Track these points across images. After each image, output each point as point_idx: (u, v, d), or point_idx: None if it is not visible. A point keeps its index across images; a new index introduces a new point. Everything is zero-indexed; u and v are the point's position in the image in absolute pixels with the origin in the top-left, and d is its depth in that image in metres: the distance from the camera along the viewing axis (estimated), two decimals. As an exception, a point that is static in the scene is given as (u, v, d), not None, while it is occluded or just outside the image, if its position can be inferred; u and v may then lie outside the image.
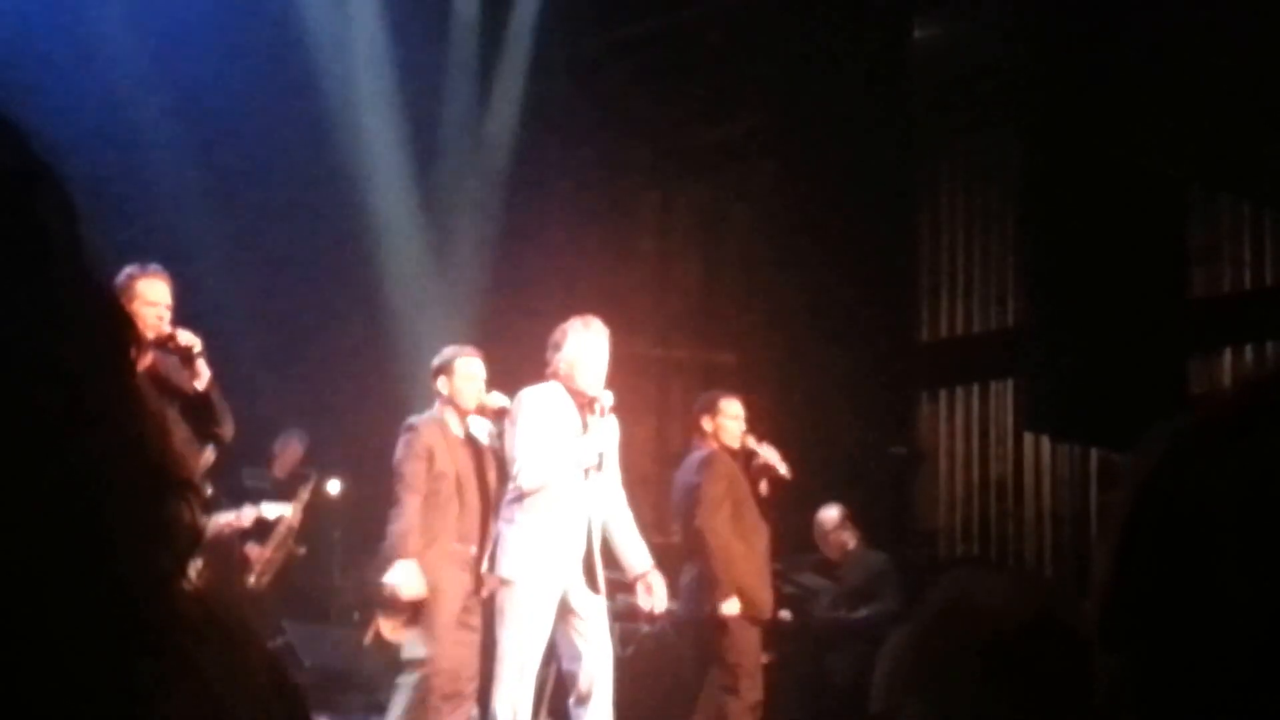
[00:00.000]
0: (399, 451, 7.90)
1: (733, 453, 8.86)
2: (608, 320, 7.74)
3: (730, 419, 8.87)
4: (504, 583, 7.37)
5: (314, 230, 12.10)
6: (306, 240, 12.01)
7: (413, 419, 8.09)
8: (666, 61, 12.41)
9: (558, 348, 7.57)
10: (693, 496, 8.65)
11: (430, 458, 7.85)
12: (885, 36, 12.04)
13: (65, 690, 0.73)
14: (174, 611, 0.79)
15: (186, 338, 7.24)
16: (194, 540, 0.81)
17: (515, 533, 7.39)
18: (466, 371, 8.16)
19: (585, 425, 7.49)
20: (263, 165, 11.51)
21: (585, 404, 7.51)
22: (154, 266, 7.31)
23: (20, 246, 0.78)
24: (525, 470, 7.39)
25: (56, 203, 0.81)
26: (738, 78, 12.29)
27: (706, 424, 8.89)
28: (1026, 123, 9.98)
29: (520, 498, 7.41)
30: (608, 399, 7.51)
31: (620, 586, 9.13)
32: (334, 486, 11.22)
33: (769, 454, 8.87)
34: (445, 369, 8.21)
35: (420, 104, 12.20)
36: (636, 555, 7.83)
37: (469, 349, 8.26)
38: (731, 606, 8.58)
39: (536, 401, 7.54)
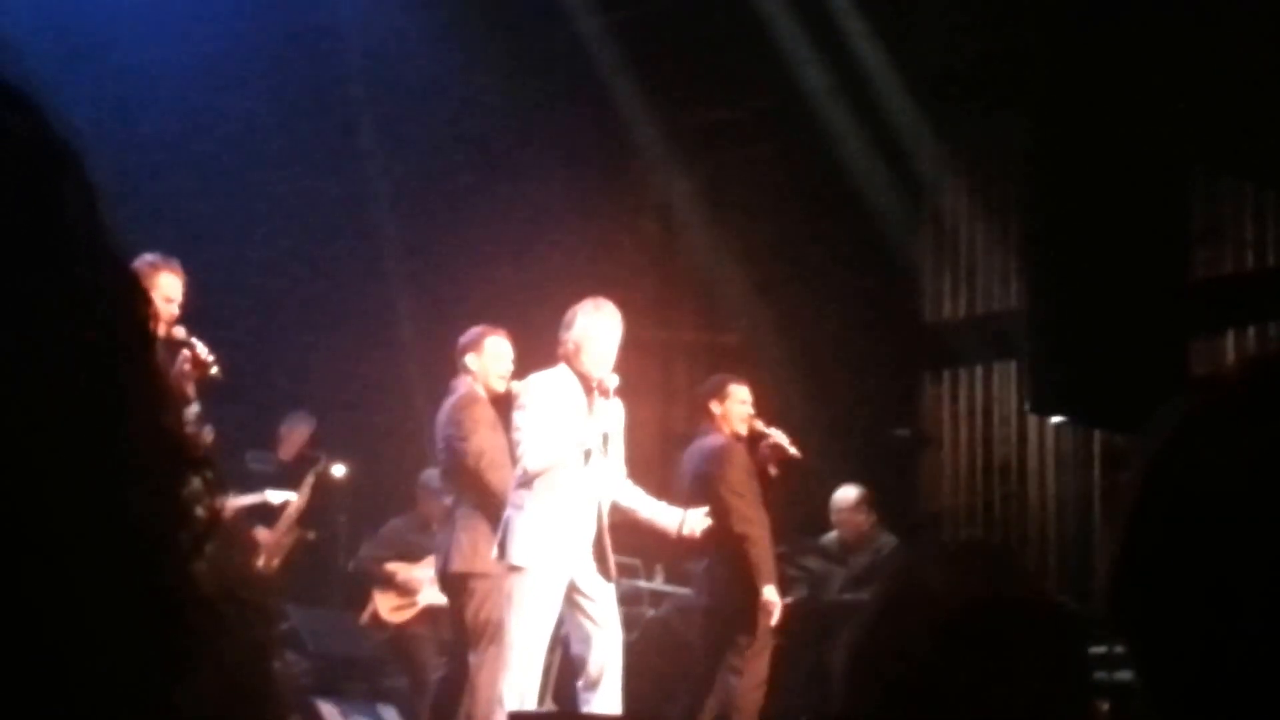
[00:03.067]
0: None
1: (738, 437, 8.88)
2: (611, 301, 7.74)
3: (738, 403, 8.89)
4: (513, 569, 7.35)
5: (320, 209, 12.09)
6: (313, 219, 12.00)
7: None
8: (670, 42, 12.39)
9: (568, 328, 7.57)
10: (711, 489, 8.63)
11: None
12: (890, 18, 12.01)
13: (87, 669, 0.74)
14: (194, 592, 0.79)
15: (205, 352, 7.35)
16: (212, 520, 0.81)
17: (524, 518, 7.38)
18: (495, 350, 8.22)
19: (591, 407, 7.48)
20: (268, 144, 11.51)
21: (592, 386, 7.50)
22: (174, 260, 7.38)
23: (43, 225, 0.78)
24: (529, 452, 7.38)
25: (77, 180, 0.81)
26: (741, 58, 12.26)
27: (715, 407, 8.90)
28: (1030, 104, 9.96)
29: (528, 482, 7.40)
30: (612, 381, 7.50)
31: (625, 570, 9.14)
32: (339, 470, 11.21)
33: (778, 436, 8.89)
34: (474, 346, 8.27)
35: (419, 95, 12.17)
36: (665, 512, 7.87)
37: (497, 329, 8.32)
38: (772, 594, 8.65)
39: (542, 386, 7.54)
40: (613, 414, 7.56)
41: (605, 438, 7.49)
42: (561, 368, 7.56)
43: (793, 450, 8.91)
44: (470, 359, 8.27)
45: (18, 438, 0.74)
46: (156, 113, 11.22)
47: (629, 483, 7.78)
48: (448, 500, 8.40)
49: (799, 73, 12.02)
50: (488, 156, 12.43)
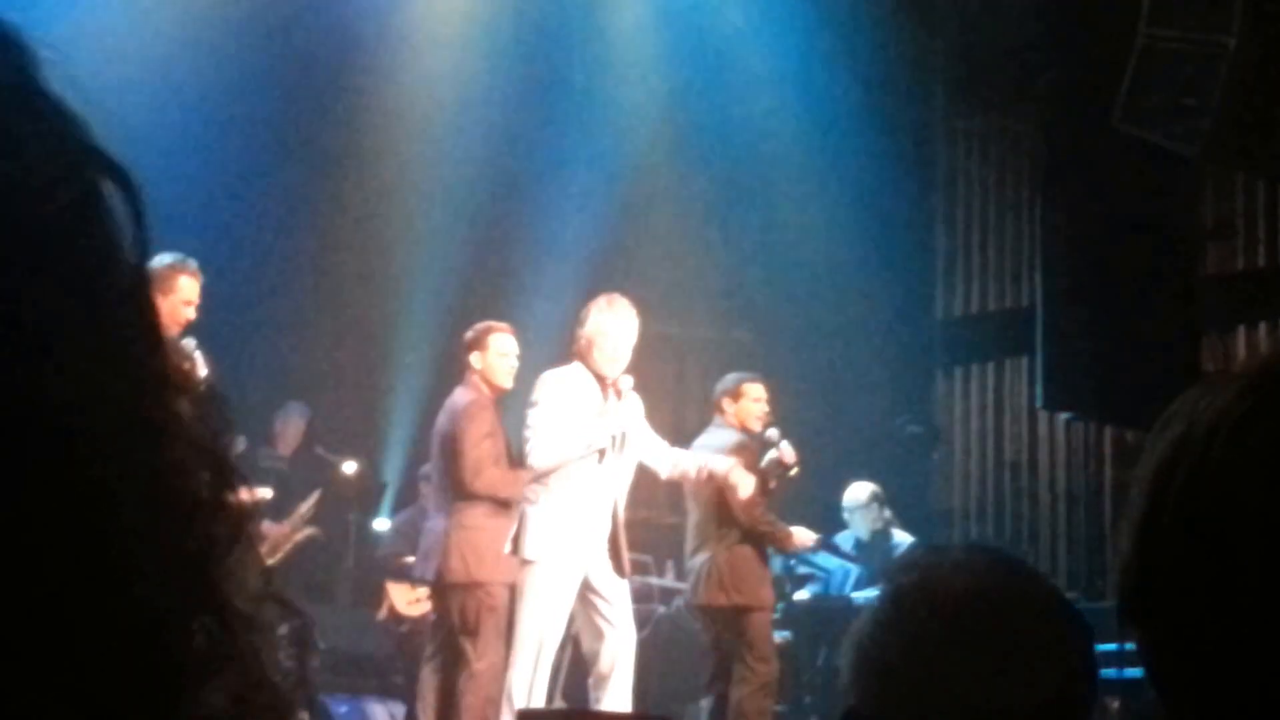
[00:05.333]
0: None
1: (751, 434, 8.85)
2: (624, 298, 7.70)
3: (753, 401, 8.87)
4: (525, 563, 7.33)
5: (314, 207, 12.07)
6: (308, 217, 11.99)
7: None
8: (684, 39, 12.38)
9: (581, 325, 7.53)
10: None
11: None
12: (905, 17, 12.01)
13: (95, 678, 0.74)
14: (221, 591, 0.79)
15: (202, 366, 7.33)
16: (234, 533, 0.81)
17: (537, 514, 7.35)
18: (500, 348, 8.12)
19: (606, 405, 7.45)
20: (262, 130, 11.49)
21: (607, 384, 7.47)
22: (192, 261, 7.21)
23: (78, 230, 0.77)
24: (536, 450, 7.35)
25: (114, 179, 0.80)
26: (755, 56, 12.26)
27: (728, 405, 8.87)
28: (1043, 101, 9.96)
29: (542, 479, 7.37)
30: (626, 383, 7.46)
31: (636, 567, 9.11)
32: (350, 467, 11.20)
33: (785, 451, 8.81)
34: (478, 343, 8.15)
35: (433, 91, 12.15)
36: (713, 460, 7.99)
37: (502, 325, 8.22)
38: (802, 534, 8.83)
39: (555, 383, 7.51)
40: (629, 412, 7.52)
41: (619, 438, 7.43)
42: (576, 365, 7.53)
43: (794, 470, 8.84)
44: (475, 357, 8.14)
45: (44, 443, 0.73)
46: (157, 106, 11.18)
47: (672, 451, 7.84)
48: (441, 501, 8.26)
49: (812, 69, 12.01)
50: (495, 155, 12.40)
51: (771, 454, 8.82)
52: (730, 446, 8.72)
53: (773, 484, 8.84)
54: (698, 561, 8.74)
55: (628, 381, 7.48)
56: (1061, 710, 1.68)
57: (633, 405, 7.56)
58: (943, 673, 1.65)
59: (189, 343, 7.06)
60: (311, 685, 9.86)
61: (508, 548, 7.46)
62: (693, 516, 8.79)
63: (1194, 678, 1.08)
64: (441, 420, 8.09)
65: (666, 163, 12.58)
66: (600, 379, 7.46)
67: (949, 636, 1.66)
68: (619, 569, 7.40)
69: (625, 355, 7.50)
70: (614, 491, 7.44)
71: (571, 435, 7.32)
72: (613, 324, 7.50)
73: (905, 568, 1.77)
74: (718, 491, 8.48)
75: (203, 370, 7.32)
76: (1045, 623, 1.70)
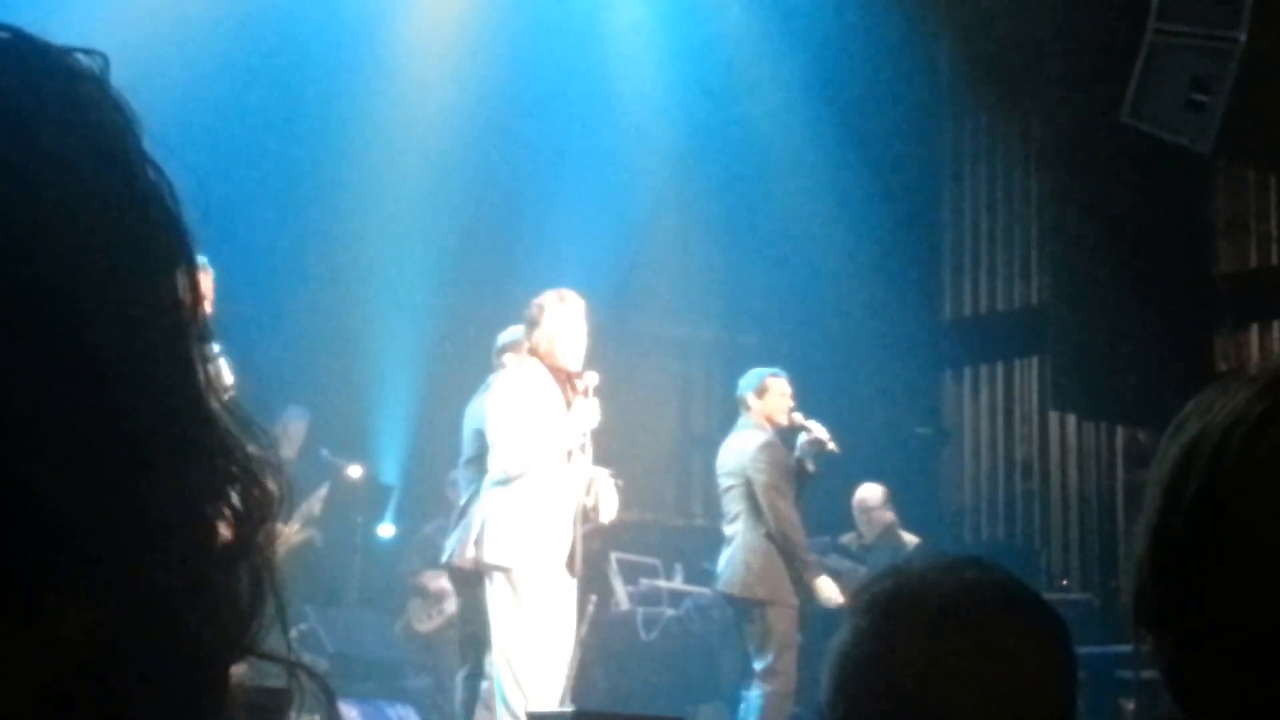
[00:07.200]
0: None
1: (778, 429, 8.89)
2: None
3: (778, 396, 8.91)
4: (495, 569, 7.24)
5: (311, 209, 12.08)
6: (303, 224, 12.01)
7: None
8: (688, 39, 12.39)
9: (535, 324, 7.45)
10: (750, 487, 8.67)
11: None
12: (912, 15, 12.01)
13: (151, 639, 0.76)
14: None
15: (226, 370, 7.34)
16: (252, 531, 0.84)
17: (504, 517, 7.26)
18: None
19: (569, 402, 7.36)
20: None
21: (566, 380, 7.38)
22: (202, 258, 7.30)
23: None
24: (508, 454, 7.26)
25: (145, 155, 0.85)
26: (759, 57, 12.26)
27: (753, 402, 8.90)
28: (1051, 98, 9.95)
29: (505, 482, 7.29)
30: (592, 379, 7.39)
31: (645, 570, 9.08)
32: (355, 471, 11.20)
33: (818, 429, 8.88)
34: (517, 348, 8.13)
35: (432, 96, 12.15)
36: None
37: None
38: (829, 588, 8.70)
39: (514, 383, 7.43)
40: (595, 411, 7.42)
41: (585, 436, 7.36)
42: (534, 364, 7.44)
43: (832, 445, 8.90)
44: (510, 359, 8.14)
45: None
46: (146, 111, 11.14)
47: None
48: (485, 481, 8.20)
49: (819, 70, 12.02)
50: (500, 161, 12.41)
51: (803, 436, 8.89)
52: (757, 447, 8.74)
53: (811, 467, 8.90)
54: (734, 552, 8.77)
55: (593, 378, 7.40)
56: (1042, 708, 1.67)
57: (595, 406, 7.45)
58: (923, 675, 1.64)
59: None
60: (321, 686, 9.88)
61: (470, 552, 7.39)
62: (736, 515, 8.80)
63: (1207, 681, 1.07)
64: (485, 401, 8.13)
65: (671, 166, 12.59)
66: (561, 377, 7.37)
67: (927, 639, 1.66)
68: (571, 569, 7.32)
69: (583, 348, 7.44)
70: (577, 492, 7.36)
71: (541, 437, 7.23)
72: (569, 320, 7.43)
73: (878, 577, 1.77)
74: (741, 489, 8.56)
75: (228, 377, 7.35)
76: (1021, 622, 1.70)
